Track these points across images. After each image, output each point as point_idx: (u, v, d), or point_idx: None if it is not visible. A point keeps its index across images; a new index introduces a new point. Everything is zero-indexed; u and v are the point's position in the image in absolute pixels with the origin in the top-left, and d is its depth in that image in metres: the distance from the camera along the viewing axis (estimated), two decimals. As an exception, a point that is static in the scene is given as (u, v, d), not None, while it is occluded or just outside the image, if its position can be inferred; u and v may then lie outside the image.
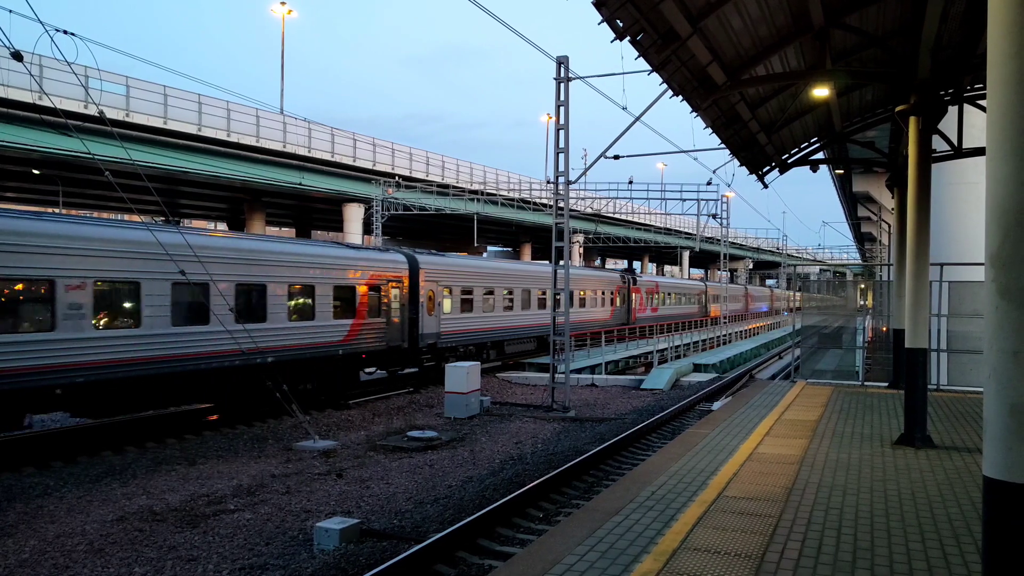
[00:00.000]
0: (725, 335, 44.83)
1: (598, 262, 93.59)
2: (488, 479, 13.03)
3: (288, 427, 17.72)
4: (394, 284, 22.75)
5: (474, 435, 17.34)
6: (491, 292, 28.79)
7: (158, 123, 31.78)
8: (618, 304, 42.73)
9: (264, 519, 10.88)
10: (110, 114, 27.66)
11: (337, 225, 50.39)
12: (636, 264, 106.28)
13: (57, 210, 40.26)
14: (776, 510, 7.83)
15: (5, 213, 13.88)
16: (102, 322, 14.75)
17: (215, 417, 18.26)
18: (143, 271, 15.25)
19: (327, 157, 40.14)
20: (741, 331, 49.39)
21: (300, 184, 39.48)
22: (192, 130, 33.20)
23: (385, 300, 22.31)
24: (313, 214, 53.88)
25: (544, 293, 32.05)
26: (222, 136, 34.60)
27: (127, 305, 15.29)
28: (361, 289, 21.27)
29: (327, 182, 41.23)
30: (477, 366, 20.64)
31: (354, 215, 44.20)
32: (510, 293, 30.27)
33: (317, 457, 14.95)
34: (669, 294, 52.45)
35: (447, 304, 25.76)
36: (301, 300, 19.24)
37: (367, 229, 45.21)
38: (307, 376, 19.66)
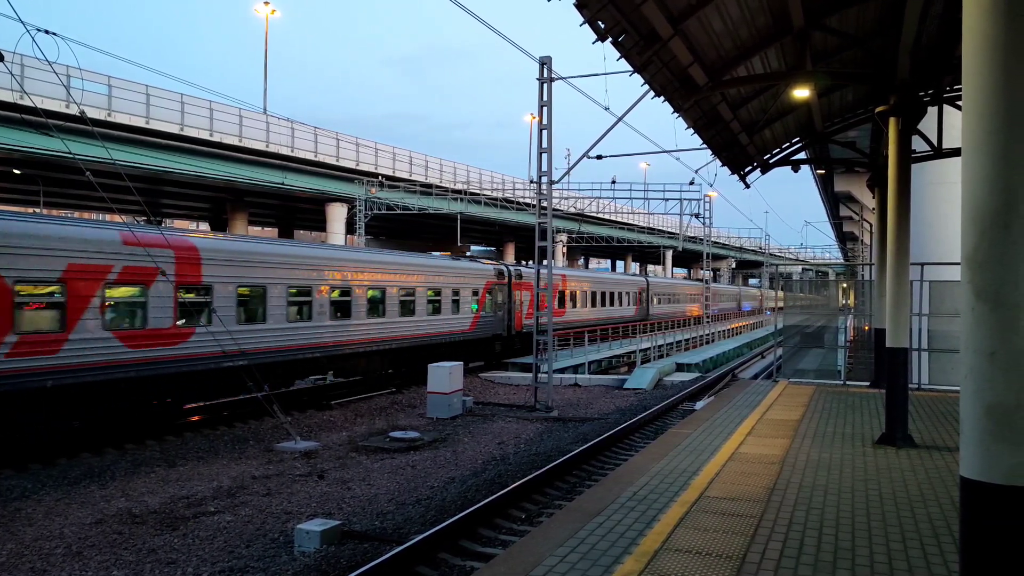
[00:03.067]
0: (708, 334, 45.31)
1: (581, 262, 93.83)
2: (470, 480, 13.00)
3: (269, 428, 17.61)
4: (642, 292, 50.43)
5: (456, 435, 17.30)
6: (668, 294, 57.33)
7: (140, 123, 31.51)
8: (701, 302, 66.21)
9: (244, 521, 10.80)
10: (92, 114, 27.37)
11: (320, 225, 50.16)
12: (619, 263, 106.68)
13: (37, 210, 39.91)
14: (758, 510, 7.85)
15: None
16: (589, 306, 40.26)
17: (197, 418, 18.19)
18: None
19: (310, 157, 39.96)
20: (725, 330, 50.11)
21: (283, 184, 39.29)
22: (175, 130, 32.97)
23: (641, 298, 49.98)
24: (296, 214, 53.63)
25: (688, 293, 63.03)
26: (205, 136, 34.36)
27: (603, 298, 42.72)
28: (637, 295, 48.89)
29: (310, 182, 41.06)
30: (460, 366, 20.61)
31: (337, 215, 44.03)
32: (672, 293, 58.50)
33: (298, 458, 14.87)
34: (722, 295, 76.44)
35: (655, 300, 53.63)
36: (619, 299, 45.71)
37: (350, 229, 45.02)
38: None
